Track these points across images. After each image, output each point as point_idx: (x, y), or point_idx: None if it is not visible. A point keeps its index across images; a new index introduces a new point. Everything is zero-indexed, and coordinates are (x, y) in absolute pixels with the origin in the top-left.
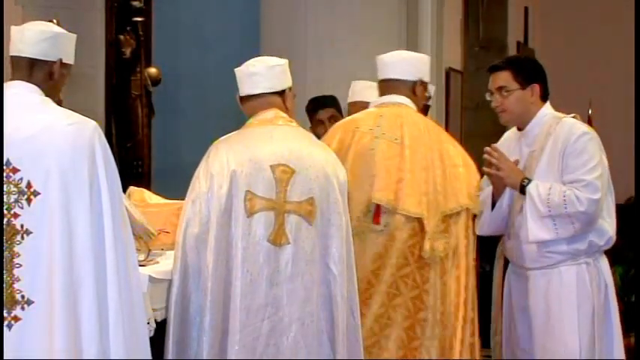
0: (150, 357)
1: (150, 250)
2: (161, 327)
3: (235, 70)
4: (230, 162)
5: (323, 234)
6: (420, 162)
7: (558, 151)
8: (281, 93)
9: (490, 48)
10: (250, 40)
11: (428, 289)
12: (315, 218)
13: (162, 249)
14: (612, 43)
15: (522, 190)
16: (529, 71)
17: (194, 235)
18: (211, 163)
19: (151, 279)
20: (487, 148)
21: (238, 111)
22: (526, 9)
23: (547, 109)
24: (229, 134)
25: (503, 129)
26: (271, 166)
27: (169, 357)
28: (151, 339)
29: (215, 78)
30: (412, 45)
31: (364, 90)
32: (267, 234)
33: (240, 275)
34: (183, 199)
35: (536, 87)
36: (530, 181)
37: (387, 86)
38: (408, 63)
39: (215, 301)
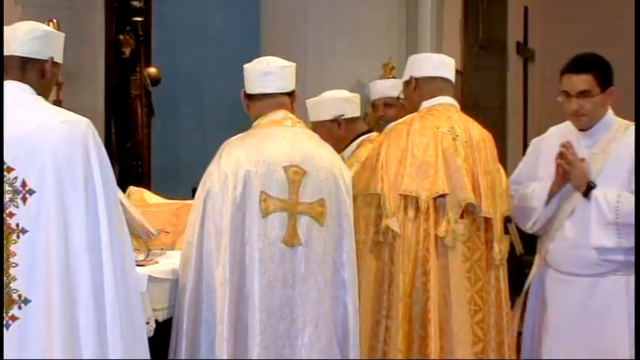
0: (148, 356)
1: (149, 250)
2: (162, 327)
3: (246, 66)
4: (244, 162)
5: (333, 235)
6: (484, 165)
7: (627, 162)
8: (290, 94)
9: (490, 48)
10: (250, 40)
11: (490, 290)
12: (326, 219)
13: (161, 249)
14: (612, 43)
15: (586, 193)
16: (608, 74)
17: (209, 235)
18: (225, 162)
19: (151, 278)
20: (565, 142)
21: (238, 111)
22: (526, 9)
23: (611, 111)
24: (240, 135)
25: (502, 129)
26: (284, 167)
27: (182, 357)
28: (152, 339)
29: (215, 78)
30: (412, 45)
31: (315, 108)
32: (281, 235)
33: (258, 276)
34: (182, 199)
35: (614, 90)
36: (595, 185)
37: (445, 87)
38: (453, 66)
39: (233, 302)
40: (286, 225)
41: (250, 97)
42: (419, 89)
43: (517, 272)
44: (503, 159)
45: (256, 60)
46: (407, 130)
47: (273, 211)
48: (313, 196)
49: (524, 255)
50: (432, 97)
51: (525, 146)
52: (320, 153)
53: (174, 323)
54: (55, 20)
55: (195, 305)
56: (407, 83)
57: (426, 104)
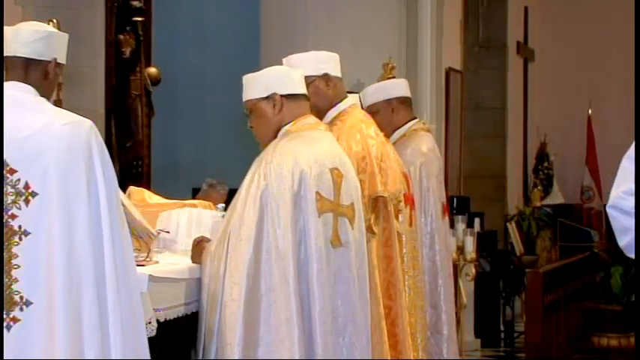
0: (148, 356)
1: (150, 250)
2: (163, 327)
3: (285, 69)
4: (299, 162)
5: (359, 238)
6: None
7: None
8: None
9: (490, 48)
10: (250, 40)
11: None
12: (355, 222)
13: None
14: (612, 43)
15: None
16: None
17: (268, 234)
18: (280, 162)
19: (152, 278)
20: None
21: (238, 111)
22: (526, 9)
23: None
24: (286, 137)
25: (502, 129)
26: (330, 169)
27: (236, 357)
28: (154, 339)
29: (215, 78)
30: (412, 45)
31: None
32: (329, 235)
33: (316, 276)
34: (182, 198)
35: None
36: None
37: (342, 85)
38: None
39: (300, 301)
40: (332, 226)
41: (290, 97)
42: (334, 88)
43: (517, 272)
44: (503, 159)
45: (280, 66)
46: (361, 135)
47: (324, 212)
48: (347, 198)
49: (523, 255)
50: (344, 97)
51: (526, 146)
52: (346, 158)
53: (215, 323)
54: (54, 20)
55: (252, 304)
56: (316, 79)
57: (344, 105)
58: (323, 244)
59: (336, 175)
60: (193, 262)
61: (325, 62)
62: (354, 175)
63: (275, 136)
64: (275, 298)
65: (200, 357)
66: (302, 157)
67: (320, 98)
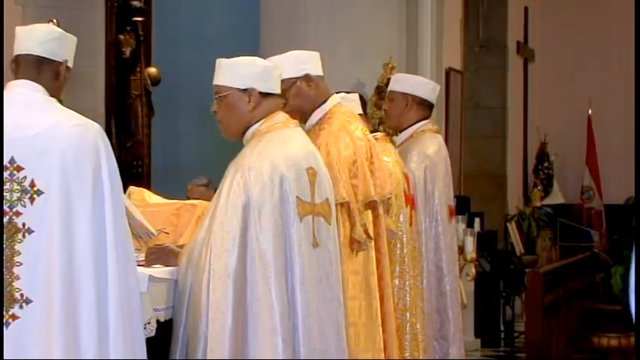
0: (145, 357)
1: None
2: (163, 327)
3: (265, 64)
4: (278, 167)
5: (334, 234)
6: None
7: None
8: None
9: (490, 48)
10: (250, 40)
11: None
12: (331, 218)
13: None
14: (612, 42)
15: None
16: None
17: (252, 243)
18: (259, 168)
19: (152, 278)
20: None
21: None
22: (526, 9)
23: None
24: (262, 139)
25: (502, 129)
26: (306, 169)
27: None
28: (153, 339)
29: None
30: (412, 45)
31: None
32: (311, 238)
33: (300, 282)
34: (182, 198)
35: None
36: None
37: (325, 83)
38: None
39: (284, 310)
40: (311, 228)
41: (266, 95)
42: (316, 88)
43: (517, 272)
44: (503, 159)
45: (260, 59)
46: (350, 137)
47: (304, 215)
48: (322, 195)
49: (524, 255)
50: (328, 95)
51: (526, 146)
52: (318, 152)
53: (201, 337)
54: (55, 20)
55: (240, 316)
56: (297, 81)
57: (328, 105)
58: (306, 249)
59: (311, 174)
60: (165, 265)
61: (306, 62)
62: (325, 168)
63: (243, 132)
64: (260, 308)
65: None
66: (281, 161)
67: (303, 100)
